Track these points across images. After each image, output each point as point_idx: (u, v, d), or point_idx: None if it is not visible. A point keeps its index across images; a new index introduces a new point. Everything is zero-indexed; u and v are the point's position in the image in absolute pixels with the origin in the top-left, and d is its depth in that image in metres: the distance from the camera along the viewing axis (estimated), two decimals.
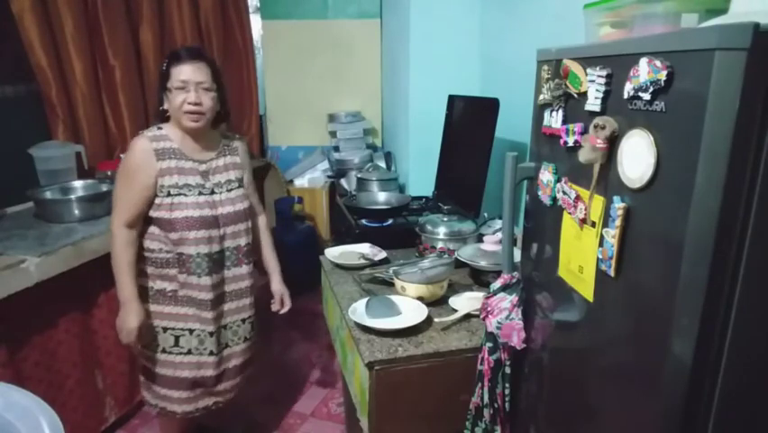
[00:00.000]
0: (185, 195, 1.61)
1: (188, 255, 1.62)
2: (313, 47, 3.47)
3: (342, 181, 3.16)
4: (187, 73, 1.55)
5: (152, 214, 1.61)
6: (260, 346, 1.95)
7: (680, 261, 0.70)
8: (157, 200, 1.60)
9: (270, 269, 1.93)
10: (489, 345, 1.22)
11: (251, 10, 3.50)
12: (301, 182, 3.44)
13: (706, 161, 0.65)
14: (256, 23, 3.62)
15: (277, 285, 1.91)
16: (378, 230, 2.13)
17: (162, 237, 1.63)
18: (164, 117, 1.65)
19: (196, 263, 1.63)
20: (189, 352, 1.70)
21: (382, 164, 3.15)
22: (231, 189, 1.72)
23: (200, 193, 1.63)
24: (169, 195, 1.59)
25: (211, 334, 1.70)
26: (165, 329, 1.69)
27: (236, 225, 1.71)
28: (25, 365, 1.75)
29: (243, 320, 1.81)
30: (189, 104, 1.55)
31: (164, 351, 1.70)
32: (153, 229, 1.64)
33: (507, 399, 1.25)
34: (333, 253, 1.93)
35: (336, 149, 3.45)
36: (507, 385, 1.24)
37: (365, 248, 1.95)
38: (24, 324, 1.74)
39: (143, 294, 1.68)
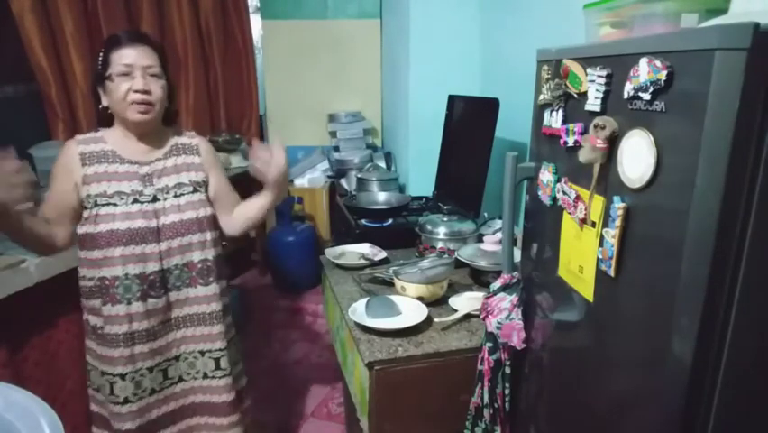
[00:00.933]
0: (114, 204, 1.35)
1: (113, 278, 1.35)
2: (313, 47, 3.47)
3: (342, 181, 3.17)
4: (132, 56, 1.32)
5: (79, 231, 1.38)
6: (241, 393, 1.61)
7: (680, 261, 0.70)
8: (84, 213, 1.37)
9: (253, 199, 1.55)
10: (489, 345, 1.22)
11: (251, 10, 3.51)
12: (301, 182, 3.44)
13: (706, 161, 0.65)
14: (256, 23, 3.62)
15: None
16: (378, 230, 2.13)
17: (85, 260, 1.39)
18: (105, 118, 1.42)
19: (124, 287, 1.35)
20: (127, 400, 1.41)
21: (382, 164, 3.15)
22: (180, 195, 1.43)
23: (135, 201, 1.37)
24: (95, 205, 1.35)
25: (150, 369, 1.43)
26: (102, 373, 1.42)
27: (185, 238, 1.42)
28: (25, 365, 1.75)
29: (202, 352, 1.49)
30: (136, 91, 1.32)
31: (106, 399, 1.44)
32: (80, 251, 1.41)
33: (507, 399, 1.24)
34: (333, 253, 1.93)
35: (336, 149, 3.45)
36: (507, 385, 1.24)
37: (365, 248, 1.95)
38: (24, 324, 1.74)
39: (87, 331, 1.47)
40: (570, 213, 0.97)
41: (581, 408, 0.99)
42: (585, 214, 0.91)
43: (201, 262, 1.46)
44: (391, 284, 1.64)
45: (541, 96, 1.06)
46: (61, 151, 1.41)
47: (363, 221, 2.18)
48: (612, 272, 0.84)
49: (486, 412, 1.26)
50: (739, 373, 0.72)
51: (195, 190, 1.47)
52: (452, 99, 2.40)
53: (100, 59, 1.36)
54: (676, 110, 0.70)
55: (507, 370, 1.23)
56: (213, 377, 1.51)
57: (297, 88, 3.54)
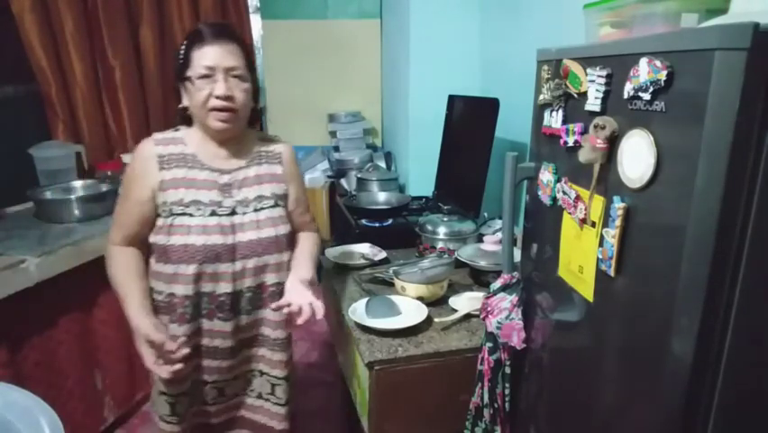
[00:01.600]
0: (190, 215, 1.23)
1: (183, 297, 1.24)
2: (313, 47, 3.47)
3: (343, 181, 3.16)
4: (214, 56, 1.19)
5: (151, 239, 1.27)
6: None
7: (680, 261, 0.70)
8: (159, 222, 1.25)
9: (295, 264, 1.38)
10: (489, 345, 1.22)
11: (251, 10, 3.50)
12: None
13: (706, 160, 0.65)
14: (256, 23, 3.61)
15: (293, 282, 1.32)
16: (378, 230, 2.13)
17: (156, 273, 1.28)
18: (186, 117, 1.31)
19: (193, 306, 1.26)
20: (176, 413, 1.34)
21: (382, 164, 3.15)
22: (260, 209, 1.30)
23: (213, 213, 1.24)
24: (171, 214, 1.23)
25: (205, 383, 1.35)
26: (160, 393, 1.33)
27: (261, 258, 1.29)
28: (25, 365, 1.75)
29: (262, 372, 1.41)
30: (217, 97, 1.19)
31: (162, 420, 1.35)
32: (152, 262, 1.29)
33: (507, 399, 1.24)
34: (333, 253, 1.93)
35: (336, 149, 3.44)
36: (507, 385, 1.24)
37: (365, 248, 1.95)
38: (24, 324, 1.74)
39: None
40: (570, 213, 0.97)
41: (581, 408, 0.99)
42: (585, 214, 0.91)
43: (275, 286, 1.33)
44: (391, 284, 1.64)
45: (541, 96, 1.06)
46: (136, 152, 1.29)
47: (363, 221, 2.18)
48: (612, 272, 0.84)
49: (486, 412, 1.26)
50: (739, 373, 0.72)
51: (275, 205, 1.33)
52: (452, 99, 2.40)
53: (181, 54, 1.23)
54: (676, 110, 0.70)
55: (508, 370, 1.23)
56: (267, 400, 1.43)
57: (297, 88, 3.53)
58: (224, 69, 1.20)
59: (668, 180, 0.72)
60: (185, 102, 1.27)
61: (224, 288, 1.27)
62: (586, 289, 0.94)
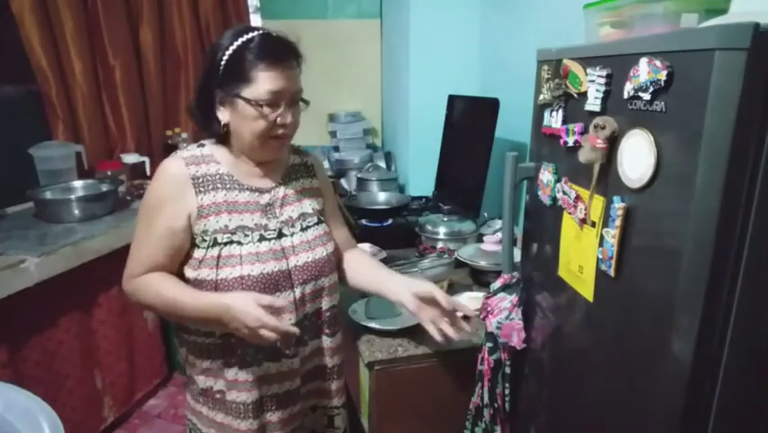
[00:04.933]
0: (239, 243, 1.08)
1: (240, 338, 1.06)
2: (313, 47, 3.45)
3: (342, 181, 3.16)
4: (284, 82, 1.05)
5: (190, 275, 1.09)
6: None
7: (680, 261, 0.70)
8: (197, 253, 1.08)
9: (384, 276, 1.28)
10: (489, 345, 1.22)
11: (251, 10, 3.50)
12: None
13: (706, 161, 0.65)
14: (256, 23, 3.62)
15: (411, 287, 1.22)
16: (378, 230, 2.13)
17: None
18: (218, 135, 1.13)
19: (255, 346, 1.09)
20: None
21: (382, 164, 3.15)
22: (307, 228, 1.18)
23: (262, 238, 1.11)
24: (215, 244, 1.07)
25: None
26: None
27: (318, 281, 1.17)
28: (25, 365, 1.75)
29: (314, 408, 1.29)
30: (283, 126, 1.07)
31: None
32: None
33: (506, 399, 1.24)
34: None
35: (336, 149, 3.44)
36: (506, 385, 1.24)
37: (365, 248, 1.94)
38: (24, 324, 1.74)
39: (189, 387, 1.20)
40: (570, 213, 0.97)
41: (581, 408, 0.99)
42: (585, 214, 0.91)
43: (330, 310, 1.22)
44: None
45: (541, 96, 1.06)
46: (163, 173, 1.09)
47: (363, 221, 2.18)
48: (612, 272, 0.84)
49: (486, 412, 1.26)
50: (739, 373, 0.72)
51: (319, 221, 1.22)
52: (452, 99, 2.40)
53: (226, 59, 1.04)
54: (676, 110, 0.70)
55: (507, 370, 1.23)
56: None
57: None
58: (290, 96, 1.07)
59: (668, 180, 0.72)
60: (224, 118, 1.09)
61: (288, 320, 1.11)
62: (586, 289, 0.94)
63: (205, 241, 1.08)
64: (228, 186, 1.11)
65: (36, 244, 1.83)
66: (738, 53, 0.62)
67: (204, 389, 1.16)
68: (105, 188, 2.26)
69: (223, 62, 1.05)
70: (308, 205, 1.21)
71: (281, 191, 1.18)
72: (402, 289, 1.22)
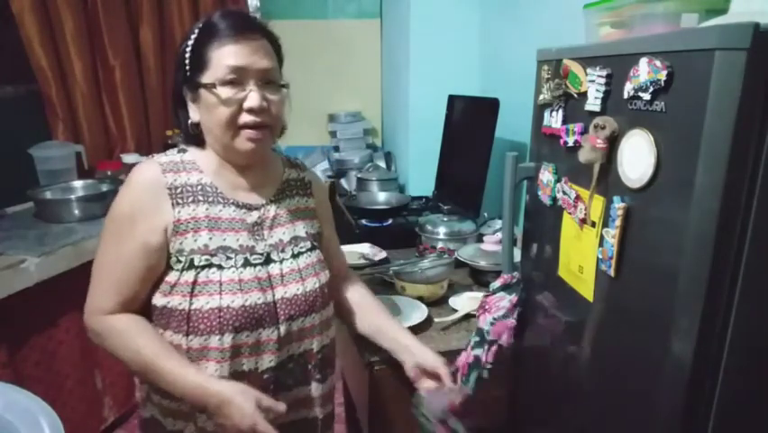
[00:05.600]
0: (219, 267, 0.93)
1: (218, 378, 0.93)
2: (313, 47, 3.47)
3: (342, 181, 3.16)
4: (243, 55, 0.90)
5: (158, 302, 0.95)
6: None
7: (680, 261, 0.70)
8: (170, 276, 0.94)
9: (393, 332, 1.16)
10: (476, 339, 1.18)
11: (251, 10, 3.50)
12: None
13: (706, 161, 0.65)
14: None
15: (417, 354, 1.12)
16: (378, 230, 2.13)
17: (174, 346, 0.95)
18: (193, 136, 1.00)
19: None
20: None
21: (382, 164, 3.15)
22: (299, 254, 1.03)
23: (246, 263, 0.96)
24: (191, 267, 0.92)
25: None
26: None
27: (307, 318, 1.02)
28: (25, 365, 1.75)
29: None
30: (250, 111, 0.92)
31: None
32: (163, 332, 0.96)
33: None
34: None
35: (336, 149, 3.44)
36: (473, 389, 1.15)
37: (365, 248, 1.94)
38: (24, 324, 1.74)
39: (149, 430, 1.03)
40: (570, 213, 0.97)
41: (581, 408, 0.99)
42: (585, 214, 0.91)
43: (321, 351, 1.06)
44: (391, 284, 1.64)
45: (541, 96, 1.06)
46: (135, 180, 0.94)
47: (363, 221, 2.18)
48: (612, 272, 0.84)
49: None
50: (739, 373, 0.72)
51: (313, 247, 1.06)
52: (452, 99, 2.40)
53: (187, 53, 0.94)
54: (676, 110, 0.70)
55: (485, 375, 1.15)
56: None
57: (296, 88, 3.52)
58: (256, 73, 0.92)
59: (668, 180, 0.72)
60: (195, 116, 0.97)
61: (268, 361, 0.97)
62: (586, 289, 0.94)
63: (180, 262, 0.93)
64: (211, 199, 0.96)
65: (36, 244, 1.83)
66: (738, 53, 0.62)
67: (172, 431, 0.99)
68: (104, 188, 2.26)
69: (186, 56, 0.95)
70: (302, 228, 1.06)
71: (272, 210, 1.03)
72: (408, 357, 1.12)
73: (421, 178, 2.66)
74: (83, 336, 1.98)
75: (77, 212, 2.10)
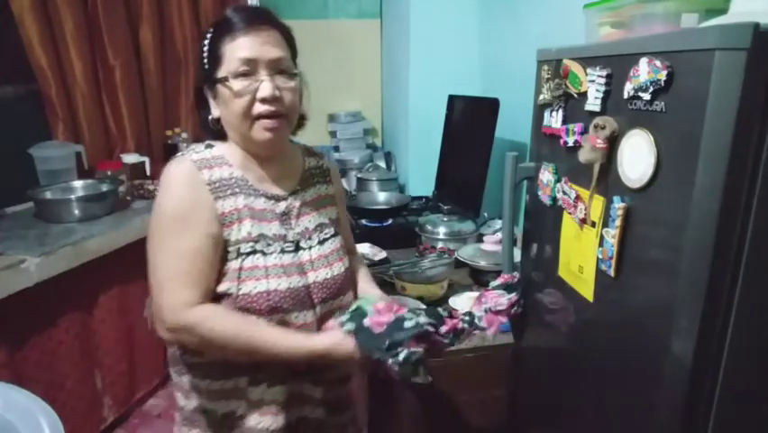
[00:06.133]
0: (263, 253, 0.98)
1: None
2: (313, 47, 3.47)
3: (343, 181, 3.16)
4: (254, 47, 0.93)
5: (219, 289, 0.99)
6: None
7: (680, 261, 0.70)
8: (224, 266, 0.98)
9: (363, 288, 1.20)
10: (466, 318, 1.12)
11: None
12: None
13: (706, 161, 0.65)
14: None
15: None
16: (378, 230, 2.13)
17: None
18: (215, 131, 1.03)
19: (272, 367, 0.99)
20: None
21: (382, 164, 3.15)
22: (324, 240, 1.08)
23: (283, 251, 1.00)
24: (237, 255, 0.96)
25: None
26: None
27: (336, 300, 1.07)
28: (25, 365, 1.75)
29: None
30: (264, 100, 0.94)
31: None
32: None
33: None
34: None
35: (336, 149, 3.44)
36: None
37: (365, 248, 1.95)
38: (24, 324, 1.74)
39: (199, 422, 1.04)
40: (570, 213, 0.97)
41: (581, 408, 0.99)
42: (585, 214, 0.91)
43: None
44: (391, 284, 1.64)
45: (541, 96, 1.06)
46: (176, 178, 0.97)
47: (363, 221, 2.18)
48: (612, 272, 0.84)
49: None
50: (739, 373, 0.72)
51: (335, 233, 1.10)
52: (452, 99, 2.40)
53: (205, 50, 0.98)
54: (676, 110, 0.70)
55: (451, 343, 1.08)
56: None
57: None
58: (267, 63, 0.94)
59: (668, 180, 0.72)
60: (215, 112, 1.00)
61: None
62: (586, 289, 0.94)
63: (228, 252, 0.96)
64: (245, 190, 1.00)
65: (36, 244, 1.83)
66: (738, 53, 0.62)
67: (225, 414, 1.01)
68: (105, 188, 2.26)
69: (204, 54, 0.99)
70: (325, 215, 1.10)
71: (298, 199, 1.07)
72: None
73: (421, 178, 2.66)
74: (83, 336, 1.98)
75: (77, 212, 2.10)
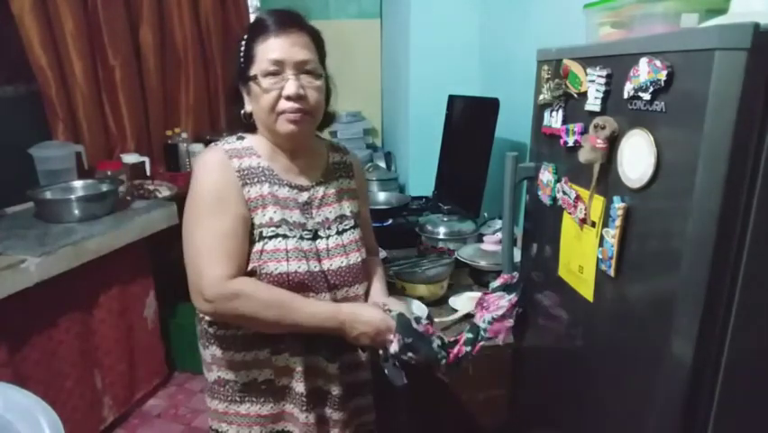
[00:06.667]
0: (284, 236, 1.05)
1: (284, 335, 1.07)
2: None
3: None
4: (282, 49, 1.01)
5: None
6: None
7: (680, 261, 0.70)
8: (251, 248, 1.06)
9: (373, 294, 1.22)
10: (469, 335, 1.15)
11: (251, 10, 3.51)
12: None
13: (706, 161, 0.65)
14: None
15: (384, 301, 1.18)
16: (378, 230, 2.12)
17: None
18: (247, 124, 1.11)
19: (291, 337, 1.08)
20: None
21: (382, 164, 3.15)
22: (343, 231, 1.14)
23: (302, 237, 1.07)
24: (261, 238, 1.04)
25: None
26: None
27: (351, 288, 1.13)
28: (25, 365, 1.75)
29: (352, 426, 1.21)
30: (289, 98, 1.02)
31: None
32: None
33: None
34: None
35: None
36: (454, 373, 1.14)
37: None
38: (24, 324, 1.74)
39: (219, 393, 1.13)
40: (570, 213, 0.97)
41: (581, 407, 0.99)
42: (585, 214, 0.91)
43: None
44: (391, 284, 1.64)
45: (541, 96, 1.06)
46: (209, 163, 1.06)
47: None
48: (612, 272, 0.84)
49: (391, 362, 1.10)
50: (739, 373, 0.72)
51: (355, 225, 1.17)
52: (452, 99, 2.40)
53: (242, 51, 1.06)
54: (676, 110, 0.70)
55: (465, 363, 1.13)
56: None
57: None
58: (294, 64, 1.02)
59: (668, 180, 0.72)
60: (248, 107, 1.09)
61: None
62: (586, 289, 0.94)
63: (253, 235, 1.04)
64: (270, 180, 1.08)
65: (36, 244, 1.83)
66: (738, 53, 0.62)
67: (245, 383, 1.10)
68: (104, 188, 2.26)
69: (241, 53, 1.07)
70: (347, 207, 1.17)
71: (321, 190, 1.14)
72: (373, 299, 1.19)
73: (421, 178, 2.66)
74: (83, 336, 1.98)
75: (77, 212, 2.10)
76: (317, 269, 1.07)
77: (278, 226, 1.05)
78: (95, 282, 2.01)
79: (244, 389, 1.11)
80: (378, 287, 1.23)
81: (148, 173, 2.69)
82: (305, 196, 1.11)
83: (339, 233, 1.13)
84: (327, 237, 1.11)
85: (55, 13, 2.41)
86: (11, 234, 1.92)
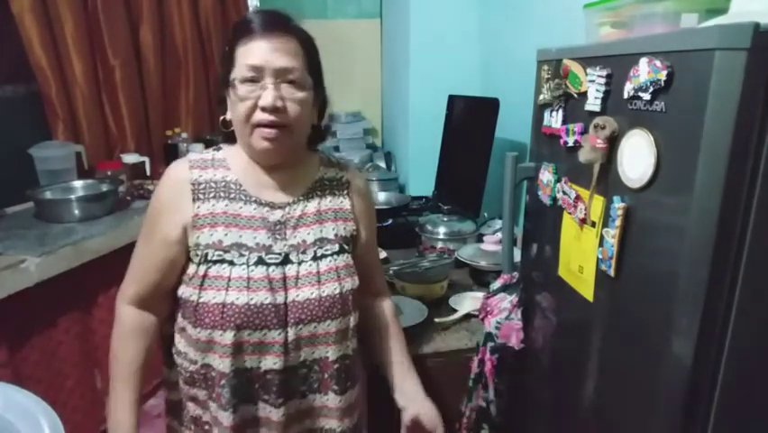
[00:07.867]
0: (230, 262, 0.94)
1: (220, 374, 0.95)
2: None
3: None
4: (262, 54, 0.90)
5: (180, 292, 0.99)
6: None
7: (679, 261, 0.70)
8: (189, 269, 0.97)
9: (399, 380, 1.13)
10: (491, 344, 1.22)
11: (250, 10, 3.51)
12: None
13: (706, 161, 0.65)
14: None
15: (419, 408, 1.09)
16: (378, 230, 2.12)
17: (187, 335, 0.99)
18: (227, 134, 1.01)
19: (231, 388, 0.95)
20: None
21: (382, 164, 3.15)
22: (322, 257, 1.00)
23: (260, 262, 0.94)
24: (204, 261, 0.94)
25: None
26: None
27: (321, 324, 0.98)
28: (25, 365, 1.75)
29: None
30: (263, 109, 0.91)
31: None
32: (180, 319, 1.01)
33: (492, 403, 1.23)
34: None
35: (336, 149, 3.45)
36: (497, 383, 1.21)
37: None
38: (24, 324, 1.74)
39: (175, 413, 1.12)
40: (570, 213, 0.97)
41: (582, 408, 0.99)
42: (585, 214, 0.91)
43: (339, 361, 1.01)
44: (391, 284, 1.64)
45: (541, 96, 1.06)
46: (164, 177, 1.00)
47: None
48: (612, 272, 0.84)
49: (492, 408, 1.25)
50: (739, 373, 0.72)
51: (341, 251, 1.02)
52: (452, 99, 2.40)
53: (225, 50, 0.96)
54: (676, 110, 0.70)
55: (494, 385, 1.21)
56: None
57: None
58: (273, 72, 0.90)
59: (668, 180, 0.72)
60: (228, 114, 0.98)
61: (272, 363, 0.96)
62: (586, 289, 0.94)
63: (197, 256, 0.95)
64: (232, 196, 0.97)
65: (36, 244, 1.82)
66: (738, 53, 0.62)
67: (194, 417, 1.05)
68: (105, 188, 2.25)
69: (223, 58, 0.98)
70: (331, 229, 1.02)
71: (299, 209, 1.01)
72: (408, 401, 1.11)
73: (421, 178, 2.66)
74: (83, 336, 1.98)
75: (77, 212, 2.10)
76: (268, 301, 0.93)
77: (225, 251, 0.94)
78: (95, 282, 2.00)
79: (194, 421, 1.07)
80: (403, 371, 1.12)
81: (148, 173, 2.68)
82: (277, 214, 0.98)
83: (316, 258, 0.99)
84: (299, 263, 0.97)
85: (55, 14, 2.41)
86: (11, 234, 1.91)
